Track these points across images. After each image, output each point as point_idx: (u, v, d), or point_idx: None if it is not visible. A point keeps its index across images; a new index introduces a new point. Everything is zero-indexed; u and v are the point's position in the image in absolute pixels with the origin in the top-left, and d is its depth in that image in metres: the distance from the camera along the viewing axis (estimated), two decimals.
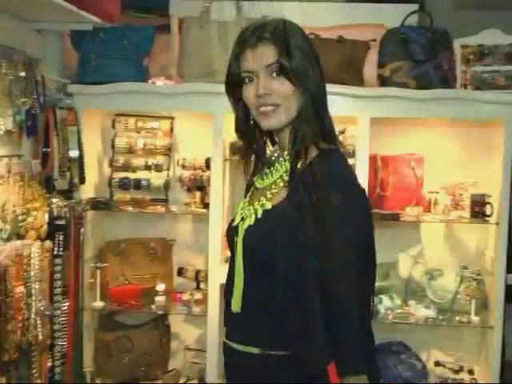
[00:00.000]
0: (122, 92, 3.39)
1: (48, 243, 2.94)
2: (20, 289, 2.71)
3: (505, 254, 3.37)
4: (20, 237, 2.83)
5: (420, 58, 3.32)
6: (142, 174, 3.73)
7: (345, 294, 1.72)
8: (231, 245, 1.94)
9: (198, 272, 3.73)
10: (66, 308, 3.12)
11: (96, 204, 3.53)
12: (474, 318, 3.47)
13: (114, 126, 3.71)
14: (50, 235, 2.98)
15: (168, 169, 3.74)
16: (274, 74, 1.80)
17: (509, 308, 3.48)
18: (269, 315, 1.79)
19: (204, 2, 3.47)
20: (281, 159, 1.90)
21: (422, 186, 3.60)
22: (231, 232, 1.93)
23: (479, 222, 3.45)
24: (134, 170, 3.72)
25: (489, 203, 3.38)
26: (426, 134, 3.70)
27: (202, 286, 3.71)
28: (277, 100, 1.81)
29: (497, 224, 3.38)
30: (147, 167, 3.72)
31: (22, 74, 2.81)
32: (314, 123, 1.83)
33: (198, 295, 3.59)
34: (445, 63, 3.32)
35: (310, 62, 1.83)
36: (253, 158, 1.99)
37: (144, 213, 3.66)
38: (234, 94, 1.91)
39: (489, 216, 3.39)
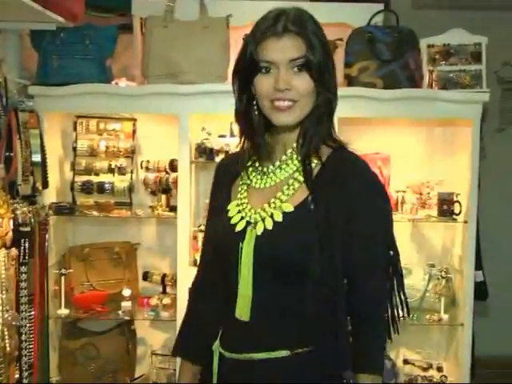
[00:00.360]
0: (85, 93, 3.30)
1: (14, 251, 2.82)
2: None
3: (473, 252, 3.39)
4: None
5: (387, 58, 3.32)
6: (105, 177, 3.64)
7: (385, 290, 1.84)
8: (227, 250, 1.82)
9: (164, 276, 3.67)
10: (32, 317, 3.03)
11: (60, 209, 3.43)
12: (444, 316, 3.50)
13: (75, 129, 3.62)
14: (15, 242, 2.89)
15: (131, 171, 3.67)
16: (296, 69, 1.73)
17: (477, 305, 3.51)
18: (297, 318, 1.75)
19: (167, 1, 3.40)
20: (284, 158, 1.82)
21: (388, 185, 3.60)
22: (230, 237, 1.80)
23: (447, 220, 3.47)
24: (96, 173, 3.63)
25: (457, 201, 3.40)
26: (391, 133, 3.70)
27: (168, 290, 3.66)
28: (295, 96, 1.74)
29: (465, 222, 3.40)
30: (110, 170, 3.63)
31: None
32: (327, 122, 1.81)
33: (167, 300, 3.53)
34: (412, 63, 3.33)
35: (330, 58, 1.80)
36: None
37: (104, 217, 3.58)
38: (243, 81, 1.81)
39: (457, 214, 3.41)
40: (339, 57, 3.41)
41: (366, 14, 3.42)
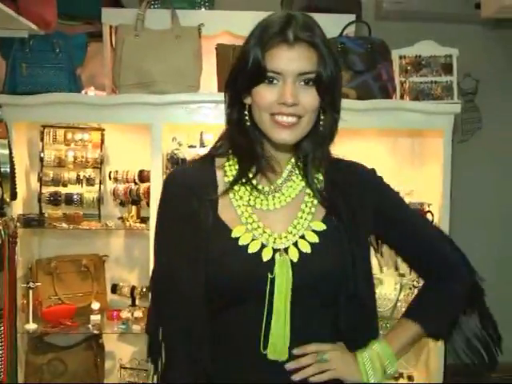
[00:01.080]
0: (54, 103, 3.23)
1: None
2: None
3: None
4: None
5: (360, 69, 3.32)
6: (73, 189, 3.57)
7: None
8: (249, 285, 1.62)
9: (133, 288, 3.61)
10: (1, 332, 2.95)
11: (28, 221, 3.35)
12: None
13: (42, 139, 3.54)
14: None
15: (100, 182, 3.60)
16: (303, 83, 1.60)
17: None
18: (334, 339, 1.70)
19: (138, 9, 3.37)
20: (285, 175, 1.71)
21: None
22: (255, 269, 1.62)
23: None
24: (64, 184, 3.56)
25: (429, 211, 3.42)
26: (360, 143, 3.70)
27: (137, 302, 3.60)
28: (301, 112, 1.60)
29: None
30: (78, 181, 3.57)
31: None
32: (330, 142, 1.74)
33: (138, 313, 3.47)
34: (384, 73, 3.34)
35: (340, 75, 1.69)
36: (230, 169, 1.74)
37: (74, 229, 3.51)
38: (240, 88, 1.65)
39: None
40: None
41: (338, 24, 3.41)
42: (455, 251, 1.87)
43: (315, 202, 1.71)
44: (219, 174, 1.73)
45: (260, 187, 1.70)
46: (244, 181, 1.69)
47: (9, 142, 3.11)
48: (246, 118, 1.67)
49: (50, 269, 3.57)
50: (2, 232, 2.93)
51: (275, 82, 1.61)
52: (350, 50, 3.33)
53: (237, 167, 1.71)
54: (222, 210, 1.68)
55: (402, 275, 3.63)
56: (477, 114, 4.67)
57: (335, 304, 1.67)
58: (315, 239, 1.66)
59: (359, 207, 1.71)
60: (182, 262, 1.65)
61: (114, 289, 3.67)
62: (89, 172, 3.60)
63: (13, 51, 3.21)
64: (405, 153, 3.76)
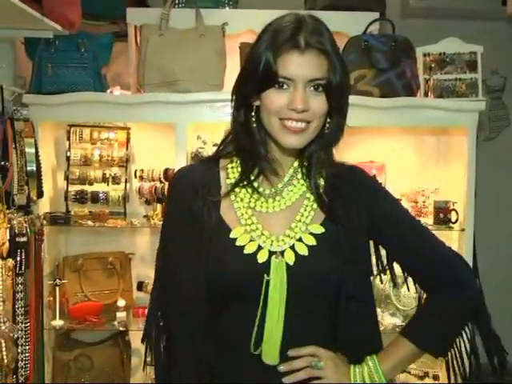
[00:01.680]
0: (80, 102, 3.27)
1: (10, 261, 2.80)
2: None
3: (470, 260, 3.39)
4: None
5: (383, 66, 3.31)
6: (99, 187, 3.61)
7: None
8: (244, 286, 1.65)
9: None
10: (27, 329, 2.99)
11: (54, 219, 3.40)
12: None
13: (68, 138, 3.58)
14: (11, 253, 2.85)
15: (126, 181, 3.63)
16: (312, 89, 1.63)
17: None
18: (330, 344, 1.72)
19: (163, 9, 3.39)
20: (287, 179, 1.74)
21: None
22: (251, 270, 1.65)
23: (444, 228, 3.46)
24: (90, 182, 3.60)
25: (453, 210, 3.41)
26: (385, 141, 3.71)
27: None
28: (310, 117, 1.63)
29: (462, 230, 3.41)
30: (104, 179, 3.60)
31: None
32: (334, 147, 1.77)
33: None
34: (408, 71, 3.33)
35: (348, 81, 1.73)
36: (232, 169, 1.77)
37: (99, 227, 3.54)
38: (250, 91, 1.67)
39: (454, 222, 3.42)
40: None
41: (361, 22, 3.41)
42: (462, 266, 1.86)
43: (315, 205, 1.73)
44: (222, 175, 1.77)
45: (261, 190, 1.73)
46: (245, 183, 1.72)
47: (35, 141, 3.16)
48: (253, 119, 1.70)
49: (76, 266, 3.61)
50: (28, 230, 2.97)
51: (285, 87, 1.63)
52: (373, 48, 3.32)
53: (239, 169, 1.74)
54: (223, 210, 1.71)
55: None
56: (504, 111, 4.64)
57: (333, 307, 1.69)
58: (313, 242, 1.68)
59: (357, 211, 1.73)
60: (185, 258, 1.68)
61: (140, 286, 3.70)
62: (115, 170, 3.63)
63: (38, 51, 3.25)
64: (430, 151, 3.75)
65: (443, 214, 3.43)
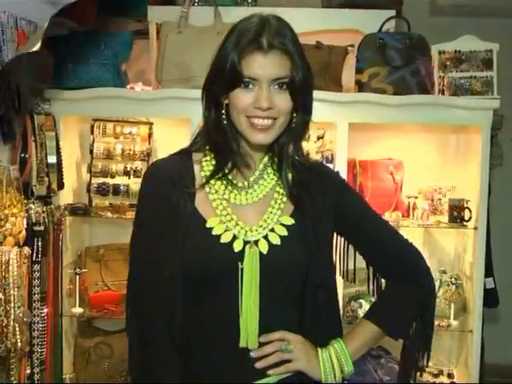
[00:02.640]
0: (100, 97, 3.38)
1: (26, 249, 2.92)
2: None
3: (483, 259, 3.40)
4: None
5: (397, 64, 3.34)
6: (120, 180, 3.72)
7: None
8: (220, 273, 1.72)
9: None
10: (44, 314, 3.12)
11: (75, 210, 3.52)
12: (453, 322, 3.53)
13: (92, 132, 3.70)
14: (28, 241, 2.97)
15: None
16: (276, 87, 1.71)
17: (487, 312, 3.53)
18: (302, 330, 1.81)
19: (182, 7, 3.48)
20: (258, 173, 1.83)
21: (400, 190, 3.63)
22: (226, 258, 1.72)
23: (457, 226, 3.49)
24: (112, 175, 3.71)
25: (467, 208, 3.41)
26: (403, 139, 3.74)
27: None
28: (275, 114, 1.71)
29: (475, 229, 3.41)
30: (126, 173, 3.71)
31: None
32: (301, 142, 1.85)
33: None
34: (422, 69, 3.35)
35: (312, 78, 1.78)
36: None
37: (117, 219, 3.65)
38: (218, 90, 1.76)
39: (467, 221, 3.43)
40: (350, 63, 3.46)
41: (377, 20, 3.45)
42: (418, 257, 1.95)
43: (284, 198, 1.82)
44: (196, 168, 1.83)
45: (235, 182, 1.81)
46: (220, 175, 1.79)
47: (56, 134, 3.28)
48: (223, 116, 1.78)
49: (98, 256, 3.74)
50: (47, 220, 3.09)
51: (251, 86, 1.71)
52: (388, 46, 3.35)
53: (213, 162, 1.82)
54: (198, 202, 1.78)
55: (443, 272, 3.63)
56: None
57: (302, 293, 1.78)
58: (284, 232, 1.77)
59: (323, 205, 1.83)
60: (162, 247, 1.73)
61: None
62: (136, 164, 3.73)
63: (59, 48, 3.36)
64: (448, 149, 3.77)
65: (457, 212, 3.44)
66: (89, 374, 3.68)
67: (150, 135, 3.74)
